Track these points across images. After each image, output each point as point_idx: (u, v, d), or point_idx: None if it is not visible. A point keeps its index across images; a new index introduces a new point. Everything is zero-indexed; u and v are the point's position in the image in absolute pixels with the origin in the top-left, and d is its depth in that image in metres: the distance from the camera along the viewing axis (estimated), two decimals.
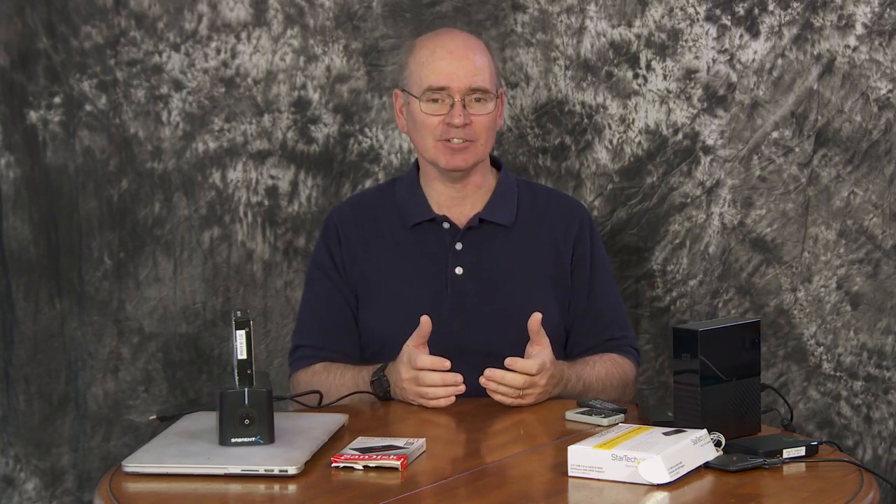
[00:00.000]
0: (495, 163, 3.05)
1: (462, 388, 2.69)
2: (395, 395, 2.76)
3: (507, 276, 2.93)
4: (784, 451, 2.31)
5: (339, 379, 2.85)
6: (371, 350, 2.92)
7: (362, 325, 2.94)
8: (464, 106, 2.87)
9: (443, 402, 2.69)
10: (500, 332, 2.83)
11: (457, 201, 2.97)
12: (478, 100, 2.89)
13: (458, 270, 2.92)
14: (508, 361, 2.68)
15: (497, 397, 2.70)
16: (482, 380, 2.68)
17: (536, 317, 2.71)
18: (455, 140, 2.88)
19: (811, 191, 3.47)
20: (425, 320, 2.70)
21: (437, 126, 2.88)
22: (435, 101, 2.88)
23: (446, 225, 2.95)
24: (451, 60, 2.89)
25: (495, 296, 2.91)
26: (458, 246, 2.93)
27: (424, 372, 2.68)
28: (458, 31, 3.08)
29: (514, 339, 2.77)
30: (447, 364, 2.68)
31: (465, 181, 2.96)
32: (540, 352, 2.71)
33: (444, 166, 2.91)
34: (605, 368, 2.90)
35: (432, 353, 2.72)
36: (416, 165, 3.03)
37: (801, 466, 2.30)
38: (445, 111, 2.88)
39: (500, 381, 2.68)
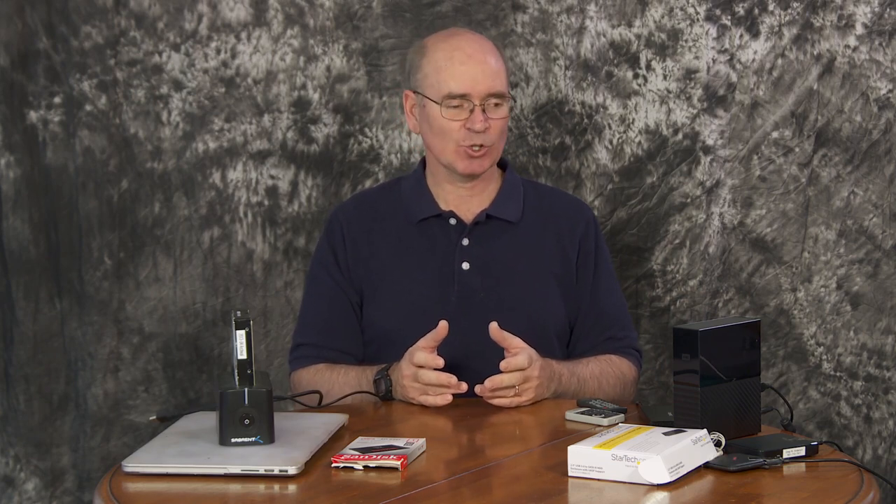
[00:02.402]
0: (501, 162, 3.05)
1: (463, 387, 2.69)
2: (396, 395, 2.76)
3: (514, 272, 2.93)
4: (784, 451, 2.31)
5: (342, 377, 2.85)
6: (376, 346, 2.92)
7: (367, 321, 2.94)
8: (483, 110, 2.87)
9: (440, 401, 2.69)
10: (506, 328, 2.82)
11: (464, 199, 2.97)
12: (496, 104, 2.89)
13: (465, 266, 2.92)
14: (503, 366, 2.68)
15: (496, 402, 2.70)
16: (479, 390, 2.68)
17: (493, 325, 2.71)
18: (475, 147, 2.88)
19: (811, 191, 3.47)
20: (443, 325, 2.70)
21: (458, 131, 2.88)
22: (456, 106, 2.88)
23: (453, 221, 2.95)
24: (470, 65, 2.88)
25: (502, 291, 2.91)
26: (465, 241, 2.94)
27: (423, 370, 2.68)
28: (471, 32, 3.06)
29: (520, 335, 2.76)
30: (440, 362, 2.69)
31: (473, 181, 2.96)
32: (521, 350, 2.71)
33: (461, 171, 2.91)
34: (600, 367, 2.89)
35: (439, 348, 2.72)
36: (422, 164, 3.03)
37: (801, 466, 2.30)
38: (465, 116, 2.87)
39: (499, 385, 2.68)
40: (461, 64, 2.88)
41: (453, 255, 2.93)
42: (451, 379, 2.69)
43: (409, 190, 3.01)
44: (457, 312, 2.85)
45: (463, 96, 2.87)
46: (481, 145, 2.88)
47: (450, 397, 2.69)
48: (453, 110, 2.88)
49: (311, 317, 2.99)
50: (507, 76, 2.95)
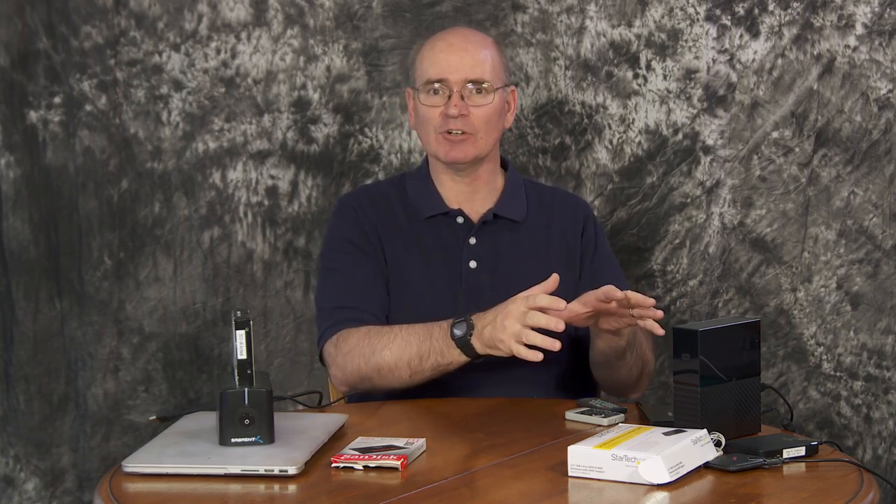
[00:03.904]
0: (502, 163, 3.05)
1: (557, 345, 2.55)
2: (481, 339, 2.66)
3: (521, 270, 2.92)
4: (784, 451, 2.31)
5: (404, 331, 2.75)
6: None
7: None
8: (462, 98, 2.87)
9: (531, 356, 2.54)
10: None
11: (467, 196, 2.97)
12: (477, 91, 2.89)
13: (473, 264, 2.92)
14: (620, 295, 2.60)
15: (648, 322, 2.60)
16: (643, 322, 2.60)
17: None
18: (454, 132, 2.88)
19: (811, 191, 3.47)
20: (554, 278, 2.61)
21: (436, 118, 2.88)
22: (435, 92, 2.89)
23: (460, 219, 2.95)
24: (449, 53, 2.90)
25: (509, 289, 2.88)
26: (472, 240, 2.93)
27: (534, 312, 2.57)
28: (468, 28, 3.06)
29: None
30: (562, 304, 2.57)
31: (472, 175, 2.95)
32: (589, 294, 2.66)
33: (443, 158, 2.91)
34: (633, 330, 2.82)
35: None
36: (426, 162, 3.02)
37: (801, 466, 2.30)
38: (444, 102, 2.88)
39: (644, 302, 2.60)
40: (441, 52, 2.90)
41: (461, 253, 2.93)
42: (560, 325, 2.55)
43: (414, 187, 3.00)
44: (465, 310, 2.84)
45: (441, 81, 2.87)
46: (462, 132, 2.87)
47: (540, 355, 2.55)
48: (432, 96, 2.89)
49: (342, 284, 2.88)
50: (502, 70, 2.94)
